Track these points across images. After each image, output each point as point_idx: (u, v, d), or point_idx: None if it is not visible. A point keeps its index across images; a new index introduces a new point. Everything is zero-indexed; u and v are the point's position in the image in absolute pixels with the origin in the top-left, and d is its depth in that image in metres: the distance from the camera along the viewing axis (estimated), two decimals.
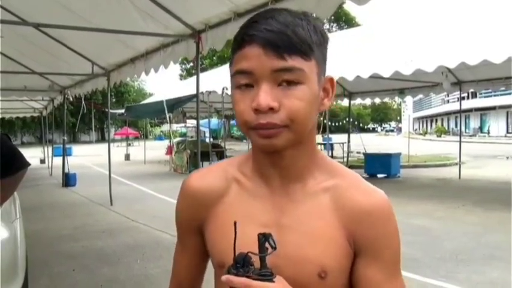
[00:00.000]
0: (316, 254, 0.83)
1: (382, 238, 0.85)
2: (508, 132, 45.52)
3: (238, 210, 0.87)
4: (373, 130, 79.10)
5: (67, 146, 13.50)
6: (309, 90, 0.78)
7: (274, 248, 0.72)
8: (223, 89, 12.20)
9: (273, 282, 0.73)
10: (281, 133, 0.78)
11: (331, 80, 0.86)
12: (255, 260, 0.72)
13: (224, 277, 0.72)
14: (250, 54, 0.77)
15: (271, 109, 0.76)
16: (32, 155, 18.34)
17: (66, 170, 12.39)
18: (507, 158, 20.12)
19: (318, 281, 0.83)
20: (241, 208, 0.88)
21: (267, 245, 0.72)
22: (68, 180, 12.33)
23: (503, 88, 13.05)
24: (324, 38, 0.82)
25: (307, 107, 0.78)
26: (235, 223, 0.73)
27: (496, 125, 47.81)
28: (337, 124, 40.75)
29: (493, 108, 46.76)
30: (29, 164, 2.38)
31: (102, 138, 53.03)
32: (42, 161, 19.09)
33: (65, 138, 12.73)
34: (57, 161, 13.96)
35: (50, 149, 16.20)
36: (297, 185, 0.87)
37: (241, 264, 0.72)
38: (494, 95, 41.88)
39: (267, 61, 0.75)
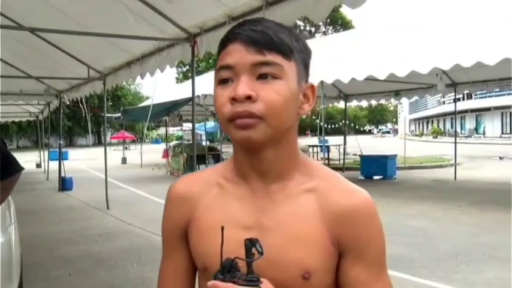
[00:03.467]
0: (298, 256, 0.82)
1: (365, 238, 0.85)
2: (503, 132, 45.71)
3: (219, 213, 0.88)
4: (370, 132, 79.23)
5: (63, 150, 13.44)
6: (286, 87, 0.80)
7: (261, 253, 0.71)
8: None
9: (259, 287, 0.72)
10: (257, 125, 0.79)
11: (312, 86, 0.88)
12: (242, 265, 0.72)
13: (210, 283, 0.72)
14: (233, 50, 0.81)
15: (249, 98, 0.78)
16: (28, 159, 18.39)
17: (62, 174, 12.37)
18: (500, 158, 20.21)
19: (301, 282, 0.82)
20: (222, 210, 0.88)
21: (253, 250, 0.71)
22: (65, 184, 12.30)
23: (497, 89, 13.12)
24: (306, 49, 0.86)
25: (284, 102, 0.80)
26: (222, 228, 0.73)
27: (491, 125, 48.02)
28: (333, 126, 40.79)
29: (488, 109, 46.96)
30: (23, 168, 2.40)
31: (98, 142, 52.91)
32: (39, 165, 19.06)
33: (61, 142, 12.68)
34: (54, 165, 13.93)
35: (46, 153, 16.17)
36: (278, 186, 0.87)
37: (227, 270, 0.71)
38: (489, 96, 42.07)
39: (247, 55, 0.79)
